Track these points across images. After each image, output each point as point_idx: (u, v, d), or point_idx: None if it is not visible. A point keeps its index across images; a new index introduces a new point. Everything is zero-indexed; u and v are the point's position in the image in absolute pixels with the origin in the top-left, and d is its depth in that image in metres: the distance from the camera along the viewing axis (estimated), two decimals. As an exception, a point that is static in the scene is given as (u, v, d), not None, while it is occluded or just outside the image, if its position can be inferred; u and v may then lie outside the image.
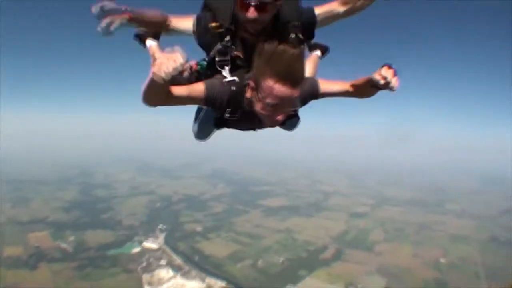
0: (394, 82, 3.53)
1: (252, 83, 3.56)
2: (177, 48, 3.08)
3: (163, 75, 2.97)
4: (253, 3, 3.59)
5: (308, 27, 4.17)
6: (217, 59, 3.97)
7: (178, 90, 3.63)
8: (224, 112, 4.05)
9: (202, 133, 5.61)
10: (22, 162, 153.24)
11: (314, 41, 5.44)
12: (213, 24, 3.87)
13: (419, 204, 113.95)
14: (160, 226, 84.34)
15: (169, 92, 3.55)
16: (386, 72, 3.51)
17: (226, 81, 3.83)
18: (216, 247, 74.58)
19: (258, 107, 3.58)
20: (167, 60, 2.99)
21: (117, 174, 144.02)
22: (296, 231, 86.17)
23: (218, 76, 3.96)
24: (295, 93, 3.35)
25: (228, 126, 4.59)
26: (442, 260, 69.44)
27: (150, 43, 5.12)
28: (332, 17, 4.18)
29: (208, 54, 4.19)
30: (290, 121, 4.90)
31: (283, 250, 74.42)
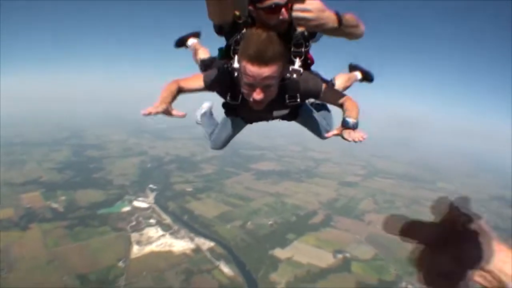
0: (354, 138, 3.92)
1: (239, 67, 3.91)
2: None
3: (148, 112, 3.50)
4: (270, 8, 3.87)
5: None
6: (233, 47, 4.27)
7: (184, 84, 4.31)
8: (226, 95, 4.50)
9: (220, 140, 6.34)
10: (15, 126, 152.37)
11: (356, 63, 6.62)
12: (237, 13, 4.11)
13: (410, 179, 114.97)
14: (151, 185, 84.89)
15: (178, 90, 4.19)
16: (349, 136, 3.95)
17: (232, 67, 4.19)
18: (206, 208, 75.16)
19: (241, 87, 3.97)
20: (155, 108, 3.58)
21: (109, 135, 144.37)
22: (286, 195, 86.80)
23: (226, 63, 4.39)
24: (265, 72, 3.61)
25: (238, 114, 5.09)
26: None
27: (192, 41, 6.46)
28: None
29: (227, 42, 4.45)
30: (305, 119, 5.71)
31: (273, 213, 74.95)
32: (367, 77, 6.66)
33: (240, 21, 4.17)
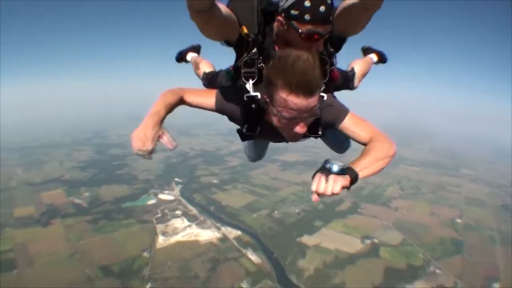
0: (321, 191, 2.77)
1: (266, 98, 3.15)
2: (165, 135, 3.10)
3: (133, 149, 2.96)
4: (322, 36, 3.25)
5: (338, 38, 3.68)
6: (243, 70, 3.62)
7: (191, 98, 3.62)
8: (242, 126, 3.84)
9: (250, 153, 6.08)
10: (33, 131, 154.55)
11: (368, 45, 5.81)
12: (245, 30, 3.41)
13: (434, 166, 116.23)
14: (176, 179, 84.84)
15: (178, 102, 3.53)
16: (313, 188, 2.81)
17: (247, 96, 3.53)
18: (232, 198, 75.00)
19: (275, 121, 3.20)
20: (138, 140, 2.96)
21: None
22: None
23: (241, 87, 3.67)
24: (312, 102, 2.88)
25: (254, 139, 4.43)
26: (458, 220, 69.92)
27: (191, 56, 5.67)
28: (352, 12, 3.25)
29: (236, 61, 3.77)
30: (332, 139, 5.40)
31: (300, 202, 74.59)
32: (382, 58, 5.83)
33: (249, 39, 3.48)
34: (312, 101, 2.85)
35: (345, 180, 2.75)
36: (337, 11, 3.24)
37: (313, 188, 2.74)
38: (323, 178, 2.73)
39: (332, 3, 3.10)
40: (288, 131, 3.22)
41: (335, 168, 2.79)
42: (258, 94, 3.43)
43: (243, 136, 4.00)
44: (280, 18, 3.28)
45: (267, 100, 3.12)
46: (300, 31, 3.14)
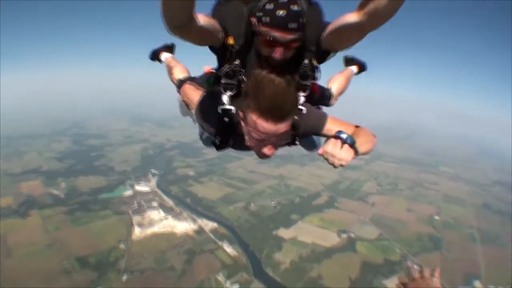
0: (336, 161, 2.98)
1: (240, 114, 3.23)
2: None
3: None
4: (280, 43, 3.24)
5: (323, 52, 3.63)
6: (223, 81, 3.65)
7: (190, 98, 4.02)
8: (214, 138, 3.89)
9: (206, 141, 5.43)
10: (14, 120, 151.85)
11: (352, 55, 5.79)
12: (231, 42, 3.45)
13: (413, 163, 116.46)
14: (153, 170, 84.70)
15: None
16: (327, 149, 3.00)
17: (221, 109, 3.61)
18: (209, 190, 75.04)
19: (246, 138, 3.29)
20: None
21: (110, 125, 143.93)
22: (289, 177, 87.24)
23: (218, 98, 3.73)
24: (281, 128, 2.96)
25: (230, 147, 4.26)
26: (437, 217, 70.23)
27: (165, 56, 5.56)
28: (346, 31, 3.15)
29: (218, 69, 3.85)
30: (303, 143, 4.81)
31: (276, 195, 75.13)
32: (363, 68, 5.88)
33: (233, 50, 3.51)
34: (282, 126, 2.95)
35: (353, 153, 2.98)
36: (330, 28, 3.26)
37: (328, 149, 2.94)
38: (339, 143, 2.96)
39: (299, 11, 3.12)
40: (257, 150, 3.29)
41: (350, 139, 3.00)
42: (233, 108, 3.56)
43: (217, 147, 4.11)
44: (253, 18, 3.32)
45: (241, 115, 3.19)
46: (259, 32, 3.26)
